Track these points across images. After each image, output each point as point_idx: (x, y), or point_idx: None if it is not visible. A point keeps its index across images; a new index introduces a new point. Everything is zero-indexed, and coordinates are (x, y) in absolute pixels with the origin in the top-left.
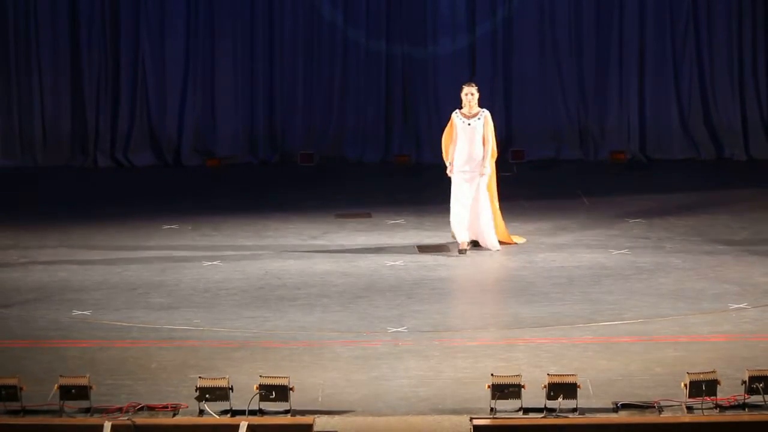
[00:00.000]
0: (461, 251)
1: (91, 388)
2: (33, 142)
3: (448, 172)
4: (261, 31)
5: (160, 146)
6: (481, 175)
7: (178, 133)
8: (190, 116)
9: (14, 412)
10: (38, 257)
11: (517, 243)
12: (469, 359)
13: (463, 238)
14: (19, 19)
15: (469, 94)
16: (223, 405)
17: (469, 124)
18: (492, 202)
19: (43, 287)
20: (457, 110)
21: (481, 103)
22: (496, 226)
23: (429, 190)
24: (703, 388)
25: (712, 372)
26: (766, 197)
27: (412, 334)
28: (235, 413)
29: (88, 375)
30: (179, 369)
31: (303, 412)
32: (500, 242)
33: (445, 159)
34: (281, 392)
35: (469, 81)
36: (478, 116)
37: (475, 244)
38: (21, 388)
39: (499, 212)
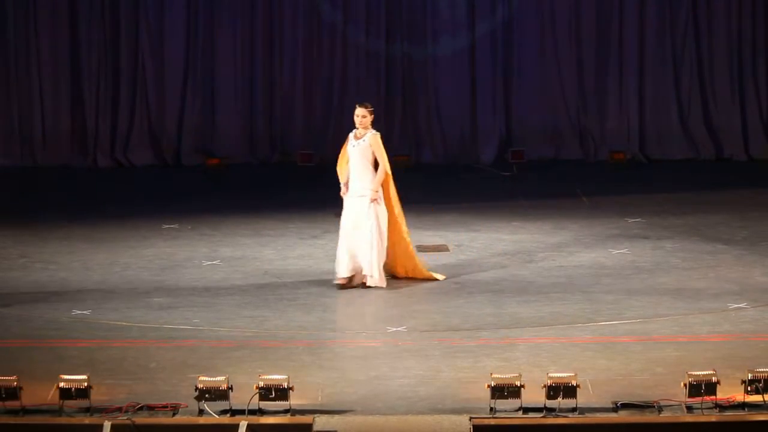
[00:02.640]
0: (341, 286)
1: (90, 387)
2: (32, 141)
3: (341, 193)
4: (261, 31)
5: (160, 146)
6: (371, 200)
7: (178, 133)
8: (190, 116)
9: (14, 412)
10: (38, 257)
11: (438, 279)
12: (468, 359)
13: (341, 271)
14: (19, 18)
15: (359, 115)
16: (223, 404)
17: (354, 147)
18: (397, 230)
19: (43, 286)
20: (354, 130)
21: (482, 104)
22: (399, 257)
23: (428, 190)
24: (702, 387)
25: (711, 372)
26: (766, 197)
27: (412, 333)
28: (234, 413)
29: (87, 374)
30: (179, 368)
31: (302, 412)
32: (411, 276)
33: (339, 179)
34: (281, 392)
35: (362, 101)
36: (363, 138)
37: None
38: (20, 388)
39: (407, 243)
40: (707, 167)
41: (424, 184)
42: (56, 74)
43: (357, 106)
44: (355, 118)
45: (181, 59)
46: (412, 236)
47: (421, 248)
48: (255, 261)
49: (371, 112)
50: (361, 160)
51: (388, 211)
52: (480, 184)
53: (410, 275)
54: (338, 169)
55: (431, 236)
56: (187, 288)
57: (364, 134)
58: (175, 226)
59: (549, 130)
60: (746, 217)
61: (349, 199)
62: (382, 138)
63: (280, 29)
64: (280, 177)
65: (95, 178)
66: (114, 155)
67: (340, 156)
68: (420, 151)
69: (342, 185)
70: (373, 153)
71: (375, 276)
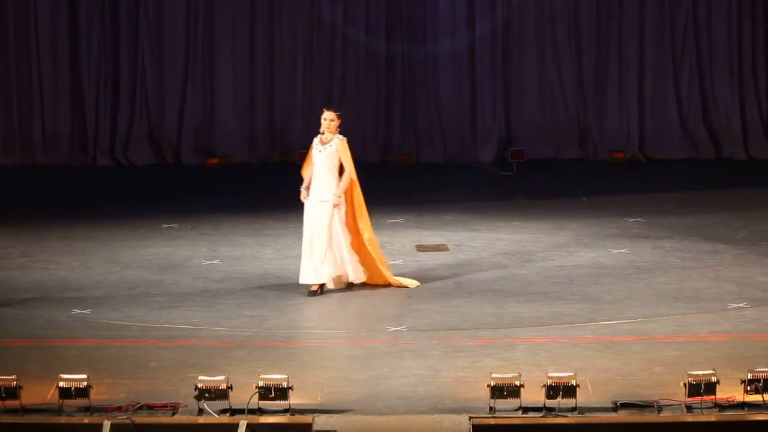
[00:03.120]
0: (311, 293)
1: (90, 387)
2: (32, 140)
3: (302, 197)
4: (261, 30)
5: (159, 145)
6: (334, 206)
7: (177, 133)
8: (190, 116)
9: (13, 411)
10: (38, 256)
11: (408, 286)
12: (468, 358)
13: (306, 278)
14: (19, 18)
15: (327, 119)
16: (222, 404)
17: (320, 152)
18: (358, 239)
19: (43, 286)
20: (318, 135)
21: (482, 103)
22: (365, 261)
23: (428, 190)
24: (702, 387)
25: (711, 371)
26: (766, 197)
27: (412, 333)
28: (234, 412)
29: (87, 374)
30: (178, 368)
31: (302, 411)
32: (376, 283)
33: (305, 183)
34: (280, 391)
35: (330, 105)
36: (330, 143)
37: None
38: (20, 387)
39: (368, 251)
40: (707, 167)
41: (424, 183)
42: (56, 74)
43: (325, 109)
44: (323, 121)
45: (181, 59)
46: (380, 243)
47: (421, 248)
48: (255, 260)
49: (339, 116)
50: (327, 165)
51: (347, 219)
52: (480, 184)
53: (377, 282)
54: (303, 172)
55: (431, 236)
56: (186, 287)
57: (331, 139)
58: (175, 225)
59: (549, 129)
60: (746, 217)
61: (310, 203)
62: (349, 143)
63: (279, 29)
64: (280, 177)
65: (95, 177)
66: (114, 155)
67: (306, 160)
68: (420, 150)
69: (302, 188)
70: (339, 159)
71: (359, 275)
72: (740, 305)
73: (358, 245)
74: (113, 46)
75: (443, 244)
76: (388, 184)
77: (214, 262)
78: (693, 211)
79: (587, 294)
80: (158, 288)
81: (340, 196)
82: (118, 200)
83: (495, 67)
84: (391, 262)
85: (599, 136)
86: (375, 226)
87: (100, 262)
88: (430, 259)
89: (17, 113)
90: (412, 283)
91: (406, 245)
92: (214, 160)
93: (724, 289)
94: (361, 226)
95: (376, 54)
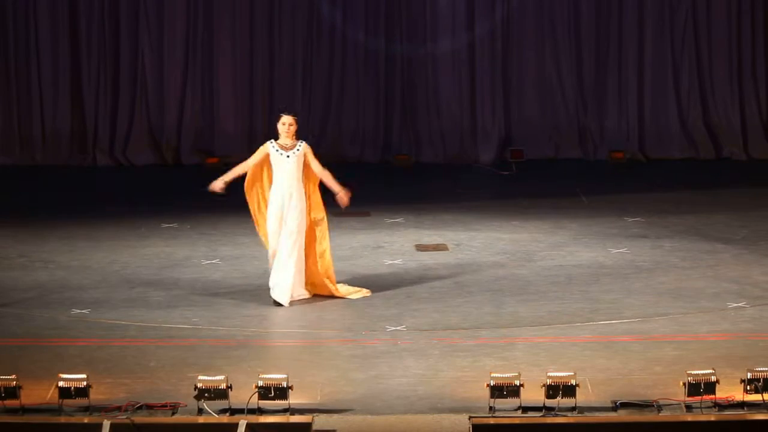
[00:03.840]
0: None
1: (89, 386)
2: (32, 140)
3: (214, 186)
4: (260, 30)
5: (159, 146)
6: (343, 206)
7: (177, 133)
8: (190, 116)
9: (13, 411)
10: (38, 256)
11: (347, 296)
12: (468, 358)
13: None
14: (19, 17)
15: (287, 124)
16: (222, 404)
17: (288, 157)
18: (319, 243)
19: (42, 286)
20: (272, 141)
21: (482, 103)
22: (310, 272)
23: (428, 189)
24: (701, 386)
25: (710, 371)
26: (765, 197)
27: (411, 332)
28: (233, 412)
29: (86, 374)
30: (178, 367)
31: (302, 411)
32: (317, 293)
33: (226, 176)
34: (280, 391)
35: (288, 110)
36: (296, 148)
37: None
38: (20, 387)
39: (327, 256)
40: (707, 167)
41: (424, 183)
42: (56, 74)
43: (283, 114)
44: (281, 126)
45: (181, 58)
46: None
47: (421, 248)
48: (254, 260)
49: (297, 121)
50: (297, 171)
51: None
52: (480, 184)
53: (323, 294)
54: (236, 168)
55: (431, 236)
56: (186, 287)
57: (295, 144)
58: (174, 224)
59: (548, 129)
60: (745, 217)
61: (276, 209)
62: (313, 149)
63: (279, 29)
64: None
65: (95, 177)
66: (114, 155)
67: (249, 162)
68: (419, 150)
69: (222, 180)
70: (306, 163)
71: (285, 296)
72: (739, 305)
73: (308, 255)
74: (113, 46)
75: (443, 244)
76: (388, 184)
77: (213, 261)
78: (693, 211)
79: (587, 293)
80: (157, 287)
81: (340, 191)
82: (118, 200)
83: (495, 67)
84: (395, 261)
85: (599, 136)
86: (375, 226)
87: (100, 262)
88: (429, 259)
89: (17, 112)
90: (361, 293)
91: (405, 245)
92: (214, 160)
93: (724, 288)
94: (318, 234)
95: (376, 54)
